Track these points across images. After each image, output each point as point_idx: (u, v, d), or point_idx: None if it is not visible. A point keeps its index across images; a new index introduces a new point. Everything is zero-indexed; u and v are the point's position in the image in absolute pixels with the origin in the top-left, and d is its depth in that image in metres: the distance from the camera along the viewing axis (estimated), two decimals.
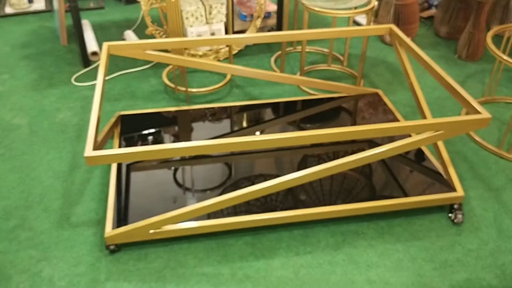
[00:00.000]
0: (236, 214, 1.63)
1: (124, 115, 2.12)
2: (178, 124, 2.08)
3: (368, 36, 2.35)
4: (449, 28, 3.04)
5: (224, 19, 2.81)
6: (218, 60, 2.80)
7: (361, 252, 1.61)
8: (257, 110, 2.20)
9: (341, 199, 1.69)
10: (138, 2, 3.65)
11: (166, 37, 2.65)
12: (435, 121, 1.50)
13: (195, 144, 1.38)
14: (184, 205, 1.66)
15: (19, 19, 3.35)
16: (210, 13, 2.76)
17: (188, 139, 2.00)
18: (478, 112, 1.53)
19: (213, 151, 1.41)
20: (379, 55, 2.88)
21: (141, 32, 3.12)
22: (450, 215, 1.73)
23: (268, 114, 2.19)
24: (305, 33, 2.09)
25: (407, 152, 1.92)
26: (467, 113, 2.32)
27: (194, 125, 2.09)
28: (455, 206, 1.72)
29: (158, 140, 1.98)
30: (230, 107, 2.22)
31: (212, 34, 2.82)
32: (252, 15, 2.95)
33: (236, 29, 2.93)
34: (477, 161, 2.02)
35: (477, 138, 2.12)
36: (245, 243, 1.63)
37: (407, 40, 1.97)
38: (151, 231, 1.54)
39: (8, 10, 3.41)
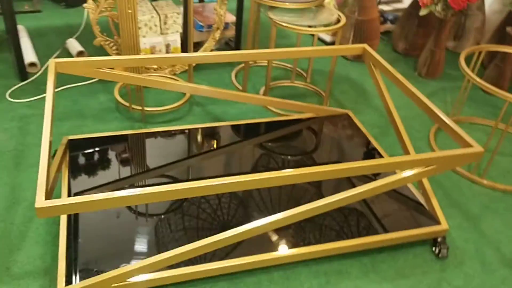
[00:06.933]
0: (209, 258, 1.44)
1: (72, 140, 1.86)
2: (136, 149, 1.86)
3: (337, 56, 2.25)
4: (407, 44, 3.02)
5: (180, 30, 2.60)
6: (175, 74, 2.58)
7: None
8: (220, 132, 2.03)
9: (320, 236, 1.56)
10: (80, 6, 3.34)
11: (116, 48, 2.40)
12: (428, 156, 1.40)
13: (171, 188, 1.19)
14: (149, 245, 1.45)
15: None
16: (165, 23, 2.54)
17: (148, 166, 1.78)
18: (469, 145, 1.45)
19: (182, 196, 1.22)
20: (342, 71, 2.80)
21: (85, 41, 2.83)
22: (434, 249, 1.65)
23: (232, 136, 2.01)
24: (274, 52, 1.94)
25: None
26: (435, 135, 2.28)
27: (153, 149, 1.87)
28: (439, 240, 1.64)
29: (114, 171, 1.75)
30: (191, 129, 2.02)
31: (167, 45, 2.60)
32: (209, 26, 2.77)
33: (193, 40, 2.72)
34: (450, 186, 1.97)
35: None
36: None
37: (383, 61, 1.88)
38: (114, 285, 1.32)
39: None
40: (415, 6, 2.89)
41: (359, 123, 2.16)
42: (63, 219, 1.50)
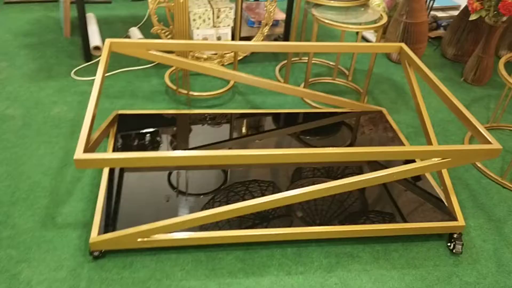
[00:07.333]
0: (228, 226, 1.57)
1: (121, 115, 2.06)
2: (177, 128, 2.02)
3: (376, 53, 2.30)
4: (456, 50, 3.00)
5: (232, 24, 2.76)
6: (223, 65, 2.74)
7: (354, 276, 1.55)
8: (258, 119, 2.15)
9: (338, 219, 1.64)
10: None
11: (171, 37, 2.60)
12: (443, 148, 1.44)
13: (193, 154, 1.32)
14: (177, 212, 1.60)
15: (23, 6, 3.29)
16: (218, 17, 2.71)
17: (187, 144, 1.94)
18: (488, 142, 1.48)
19: (210, 162, 1.35)
20: (385, 73, 2.84)
21: (146, 30, 3.07)
22: (449, 244, 1.68)
23: (269, 124, 2.13)
24: (313, 45, 2.04)
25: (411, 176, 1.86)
26: (470, 139, 2.27)
27: (193, 129, 2.03)
28: (455, 236, 1.66)
29: (155, 144, 1.92)
30: (231, 114, 2.16)
31: (218, 38, 2.77)
32: (260, 22, 2.90)
33: (242, 35, 2.88)
34: (478, 189, 1.97)
35: (479, 165, 2.07)
36: (235, 258, 1.57)
37: (417, 60, 1.92)
38: (139, 240, 1.48)
39: None
40: (466, 12, 2.87)
41: (392, 121, 2.20)
42: (104, 179, 1.68)
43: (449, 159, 1.47)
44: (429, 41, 3.27)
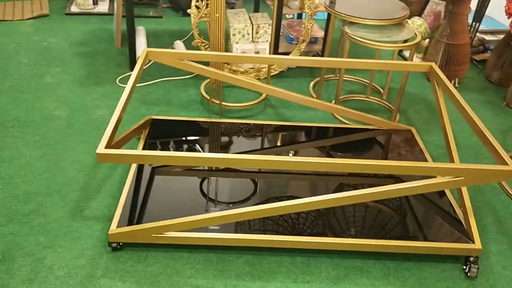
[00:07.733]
0: (245, 231, 1.62)
1: (154, 119, 2.18)
2: (206, 135, 2.11)
3: (408, 72, 2.30)
4: (501, 74, 2.91)
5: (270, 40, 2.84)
6: (258, 79, 2.82)
7: None
8: (287, 132, 2.20)
9: (352, 232, 1.64)
10: None
11: (210, 50, 2.71)
12: (455, 166, 1.43)
13: (207, 156, 1.40)
14: (194, 214, 1.67)
15: (82, 18, 3.55)
16: (257, 32, 2.81)
17: (213, 150, 2.02)
18: (506, 163, 1.44)
19: (219, 165, 1.42)
20: (421, 93, 2.81)
21: (190, 43, 3.22)
22: (464, 267, 1.64)
23: (298, 137, 2.18)
24: (343, 61, 2.08)
25: (432, 196, 1.84)
26: None
27: (222, 138, 2.11)
28: (471, 259, 1.62)
29: (182, 147, 2.02)
30: (260, 125, 2.23)
31: (257, 53, 2.86)
32: (299, 39, 2.97)
33: (281, 50, 2.95)
34: (506, 215, 1.91)
35: (510, 191, 2.00)
36: (244, 262, 1.62)
37: (446, 80, 1.91)
38: (154, 235, 1.56)
39: (74, 8, 3.63)
40: (510, 36, 2.79)
41: (420, 140, 2.18)
42: (130, 177, 1.79)
43: (462, 177, 1.45)
44: (474, 64, 3.20)
